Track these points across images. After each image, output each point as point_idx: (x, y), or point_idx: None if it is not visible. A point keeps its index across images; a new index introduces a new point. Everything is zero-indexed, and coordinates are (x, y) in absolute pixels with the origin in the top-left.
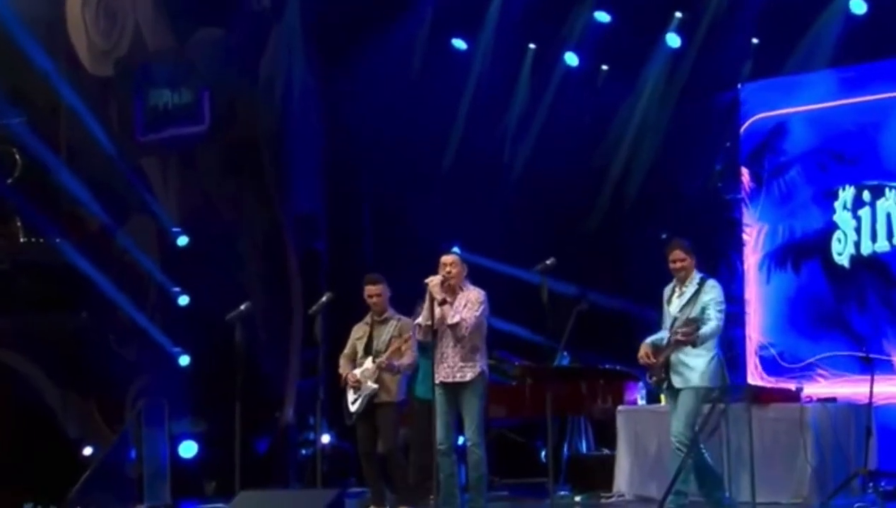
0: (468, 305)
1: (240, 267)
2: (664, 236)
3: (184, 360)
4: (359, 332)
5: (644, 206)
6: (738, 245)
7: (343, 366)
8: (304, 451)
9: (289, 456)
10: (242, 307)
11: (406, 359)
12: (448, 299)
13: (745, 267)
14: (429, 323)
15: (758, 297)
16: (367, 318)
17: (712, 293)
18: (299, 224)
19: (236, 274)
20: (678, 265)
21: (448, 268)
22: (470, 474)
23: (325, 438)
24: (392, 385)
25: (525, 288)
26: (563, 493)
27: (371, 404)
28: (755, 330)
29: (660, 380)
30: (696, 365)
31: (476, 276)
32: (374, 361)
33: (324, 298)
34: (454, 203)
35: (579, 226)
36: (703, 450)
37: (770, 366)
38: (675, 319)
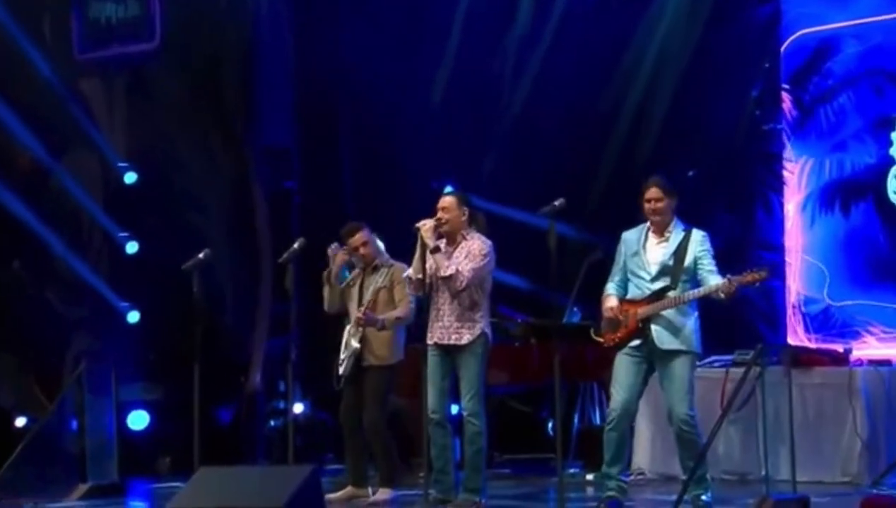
0: (469, 256)
1: (198, 208)
2: (691, 174)
3: (133, 317)
4: (353, 281)
5: (668, 141)
6: (778, 183)
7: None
8: (273, 422)
9: (256, 428)
10: (201, 254)
11: (397, 312)
12: (443, 247)
13: (786, 209)
14: (419, 275)
15: (800, 244)
16: (357, 266)
17: (705, 244)
18: (268, 159)
19: (194, 217)
20: (654, 205)
21: (442, 212)
22: (466, 448)
23: (298, 407)
24: (379, 344)
25: (530, 234)
26: (573, 470)
27: (358, 367)
28: (796, 282)
29: (623, 338)
30: (684, 325)
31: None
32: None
33: (296, 244)
34: (447, 137)
35: (592, 166)
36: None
37: (814, 323)
38: (660, 270)
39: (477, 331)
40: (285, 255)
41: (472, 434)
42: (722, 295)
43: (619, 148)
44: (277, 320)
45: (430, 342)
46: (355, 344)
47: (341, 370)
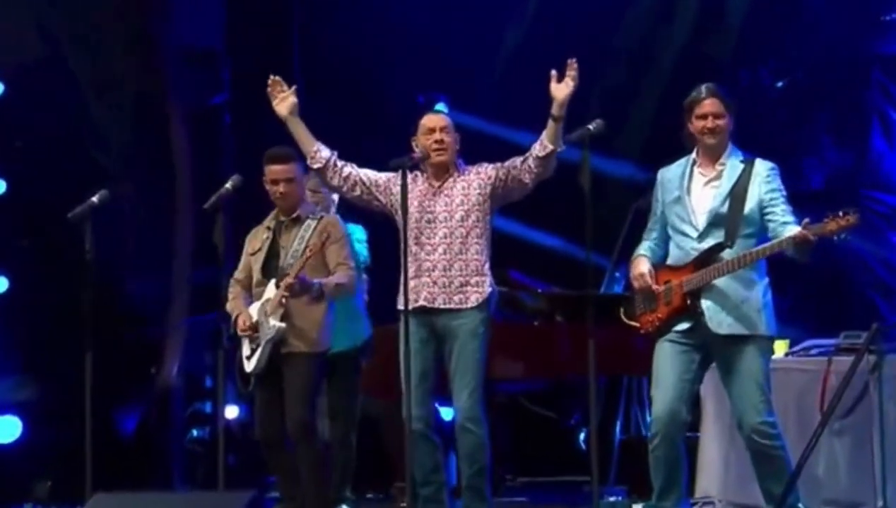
0: (477, 186)
1: (90, 133)
2: (780, 85)
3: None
4: (255, 243)
5: (748, 40)
6: None
7: (232, 302)
8: (196, 432)
9: (172, 440)
10: (95, 198)
11: (336, 277)
12: (434, 182)
13: None
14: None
15: None
16: (269, 220)
17: (775, 180)
18: (188, 66)
19: (85, 146)
20: (713, 123)
21: (438, 135)
22: (464, 468)
23: (232, 411)
24: (308, 324)
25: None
26: (613, 499)
27: (276, 356)
28: None
29: (665, 321)
30: (748, 299)
31: (472, 153)
32: (277, 285)
33: (227, 184)
34: (433, 41)
35: (636, 75)
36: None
37: None
38: (710, 220)
39: (485, 292)
40: (213, 199)
41: (471, 448)
42: (794, 252)
43: (679, 50)
44: (202, 289)
45: (406, 307)
46: (276, 323)
47: (250, 365)
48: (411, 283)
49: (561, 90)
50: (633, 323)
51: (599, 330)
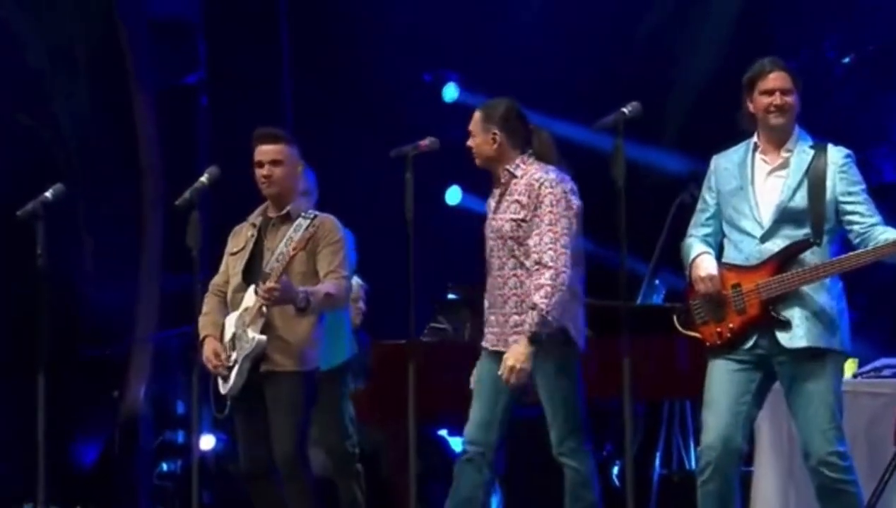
0: (534, 204)
1: (42, 118)
2: (846, 60)
3: None
4: (237, 242)
5: (806, 16)
6: None
7: (203, 318)
8: (166, 466)
9: (138, 474)
10: (49, 193)
11: (326, 286)
12: (493, 197)
13: None
14: None
15: None
16: (255, 217)
17: (851, 169)
18: (158, 40)
19: (35, 133)
20: (781, 101)
21: (470, 133)
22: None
23: (208, 441)
24: (294, 337)
25: (583, 157)
26: None
27: (257, 375)
28: None
29: (738, 333)
30: (832, 310)
31: None
32: (257, 293)
33: (203, 177)
34: (441, 12)
35: (672, 52)
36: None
37: None
38: (778, 216)
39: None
40: (186, 195)
41: (575, 484)
42: None
43: (722, 23)
44: (174, 299)
45: (484, 345)
46: (253, 335)
47: (226, 385)
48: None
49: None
50: (693, 334)
51: (635, 346)
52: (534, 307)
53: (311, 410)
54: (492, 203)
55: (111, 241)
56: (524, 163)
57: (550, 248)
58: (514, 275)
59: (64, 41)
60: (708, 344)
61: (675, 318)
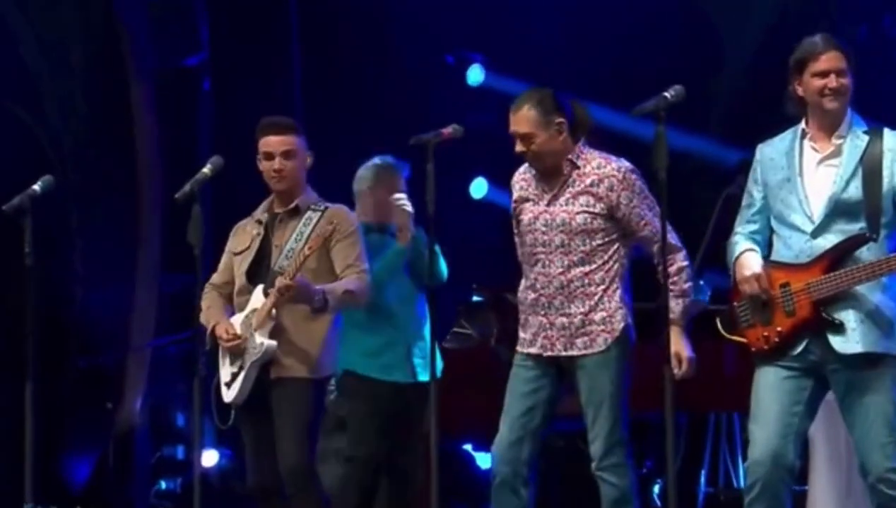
0: (626, 180)
1: (29, 102)
2: None
3: None
4: (242, 240)
5: None
6: None
7: (206, 312)
8: (165, 484)
9: (134, 493)
10: (37, 186)
11: (346, 282)
12: (545, 189)
13: None
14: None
15: None
16: (260, 213)
17: None
18: (155, 19)
19: (21, 119)
20: (836, 83)
21: (521, 144)
22: None
23: (211, 457)
24: (308, 342)
25: (620, 146)
26: None
27: (264, 381)
28: None
29: (788, 337)
30: (884, 307)
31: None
32: (266, 293)
33: (205, 169)
34: None
35: (722, 35)
36: None
37: None
38: (831, 209)
39: (619, 327)
40: (186, 187)
41: (612, 504)
42: None
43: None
44: (173, 301)
45: (522, 350)
46: (264, 340)
47: (230, 393)
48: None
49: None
50: (739, 339)
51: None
52: (683, 294)
53: (321, 420)
54: (542, 194)
55: (105, 239)
56: (582, 152)
57: (670, 231)
58: (582, 273)
59: (55, 20)
60: (754, 349)
61: (718, 322)
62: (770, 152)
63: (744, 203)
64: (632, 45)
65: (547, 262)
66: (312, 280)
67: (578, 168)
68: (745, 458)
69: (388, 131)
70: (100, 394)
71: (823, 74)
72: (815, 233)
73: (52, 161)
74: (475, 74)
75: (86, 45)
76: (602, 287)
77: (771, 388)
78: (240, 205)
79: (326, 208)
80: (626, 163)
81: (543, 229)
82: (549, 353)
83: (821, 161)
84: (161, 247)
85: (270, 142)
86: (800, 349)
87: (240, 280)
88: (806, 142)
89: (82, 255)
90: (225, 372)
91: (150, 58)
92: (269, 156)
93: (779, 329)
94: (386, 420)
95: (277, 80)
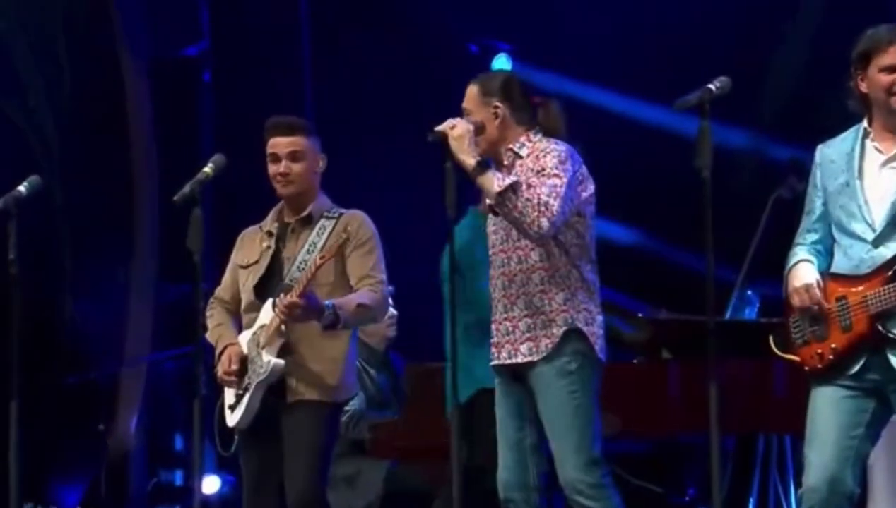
0: (540, 171)
1: (15, 96)
2: None
3: None
4: (250, 252)
5: None
6: None
7: (214, 330)
8: None
9: None
10: (22, 187)
11: (359, 295)
12: (491, 161)
13: None
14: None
15: None
16: (270, 222)
17: None
18: (152, 5)
19: (8, 115)
20: None
21: (465, 112)
22: None
23: (212, 484)
24: (324, 363)
25: (660, 143)
26: None
27: (273, 404)
28: None
29: (843, 355)
30: None
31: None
32: (275, 308)
33: (206, 169)
34: None
35: (776, 15)
36: None
37: None
38: (892, 214)
39: (561, 331)
40: (186, 189)
41: None
42: None
43: None
44: (170, 313)
45: (492, 362)
46: (269, 358)
47: (234, 417)
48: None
49: None
50: (791, 358)
51: (724, 370)
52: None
53: (335, 447)
54: None
55: (97, 244)
56: (529, 141)
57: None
58: (540, 269)
59: (41, 13)
60: (807, 368)
61: (770, 339)
62: (830, 154)
63: (805, 209)
64: (673, 34)
65: (497, 262)
66: (328, 295)
67: (521, 158)
68: (797, 484)
69: (406, 128)
70: (91, 414)
71: (891, 70)
72: (877, 242)
73: (39, 160)
74: (501, 65)
75: (73, 33)
76: (540, 287)
77: (828, 409)
78: (244, 208)
79: (341, 215)
80: (563, 147)
81: (493, 227)
82: (496, 362)
83: (884, 163)
84: (158, 254)
85: (276, 143)
86: (857, 367)
87: (247, 296)
88: (868, 143)
89: (72, 262)
90: (229, 393)
91: (145, 47)
92: (276, 159)
93: (833, 346)
94: None
95: (285, 71)
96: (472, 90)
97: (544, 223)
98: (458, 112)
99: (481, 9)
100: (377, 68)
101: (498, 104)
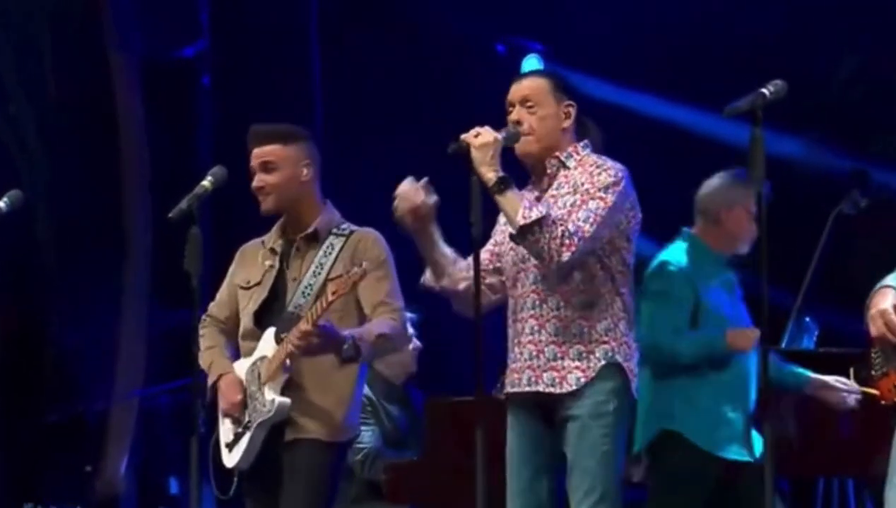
0: (580, 191)
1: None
2: None
3: None
4: (251, 271)
5: None
6: None
7: (207, 353)
8: None
9: None
10: (1, 203)
11: (378, 324)
12: (533, 185)
13: None
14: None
15: None
16: (273, 239)
17: None
18: (147, 5)
19: None
20: None
21: (521, 110)
22: None
23: None
24: (330, 399)
25: (707, 152)
26: None
27: (275, 444)
28: None
29: None
30: None
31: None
32: (278, 339)
33: (204, 182)
34: None
35: (836, 11)
36: None
37: None
38: None
39: (599, 364)
40: (183, 204)
41: None
42: None
43: None
44: (165, 342)
45: (505, 391)
46: (273, 396)
47: (232, 457)
48: None
49: None
50: (872, 391)
51: (779, 404)
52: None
53: (340, 488)
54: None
55: (84, 266)
56: (577, 153)
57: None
58: (581, 293)
59: (23, 8)
60: (884, 402)
61: (851, 372)
62: None
63: None
64: (718, 37)
65: (530, 278)
66: (337, 323)
67: (567, 168)
68: None
69: (427, 135)
70: (77, 453)
71: None
72: None
73: (21, 169)
74: (532, 66)
75: (58, 30)
76: (580, 313)
77: None
78: (246, 225)
79: (352, 232)
80: (618, 165)
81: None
82: (514, 389)
83: None
84: (152, 277)
85: (252, 155)
86: None
87: (246, 321)
88: None
89: (57, 285)
90: (225, 430)
91: (138, 47)
92: (253, 172)
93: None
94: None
95: (291, 74)
96: (541, 82)
97: (566, 256)
98: (483, 119)
99: (481, 9)
100: (394, 70)
101: (571, 103)
